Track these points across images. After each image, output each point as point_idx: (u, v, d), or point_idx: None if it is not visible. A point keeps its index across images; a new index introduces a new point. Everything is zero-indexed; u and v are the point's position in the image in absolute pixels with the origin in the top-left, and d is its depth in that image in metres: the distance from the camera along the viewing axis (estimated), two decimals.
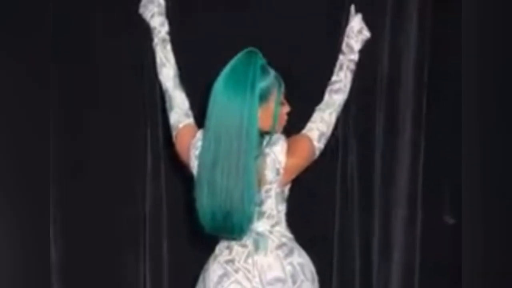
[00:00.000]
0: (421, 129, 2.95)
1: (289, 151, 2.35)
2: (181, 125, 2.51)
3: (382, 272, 3.04)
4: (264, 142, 2.34)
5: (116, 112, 2.99)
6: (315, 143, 2.42)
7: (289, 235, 2.43)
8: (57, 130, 2.95)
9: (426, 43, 2.89)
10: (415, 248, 3.02)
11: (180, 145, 2.49)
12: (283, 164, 2.34)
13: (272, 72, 2.35)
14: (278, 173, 2.34)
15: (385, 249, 3.02)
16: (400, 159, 2.98)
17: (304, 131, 2.45)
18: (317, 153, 2.44)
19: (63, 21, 2.94)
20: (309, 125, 2.46)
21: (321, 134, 2.44)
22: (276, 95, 2.35)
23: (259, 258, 2.34)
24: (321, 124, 2.45)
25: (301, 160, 2.39)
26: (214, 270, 2.38)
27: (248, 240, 2.37)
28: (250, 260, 2.35)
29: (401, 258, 3.04)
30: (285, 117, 2.43)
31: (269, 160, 2.33)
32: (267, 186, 2.35)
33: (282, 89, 2.38)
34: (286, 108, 2.42)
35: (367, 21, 2.74)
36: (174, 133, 2.53)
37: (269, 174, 2.33)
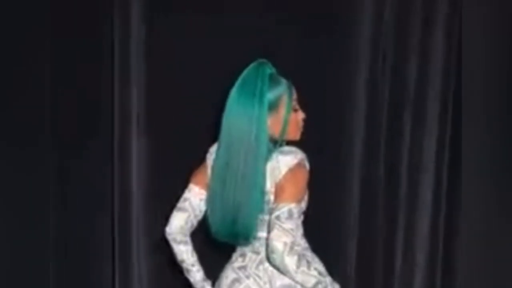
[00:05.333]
0: (446, 130, 2.97)
1: (293, 170, 2.32)
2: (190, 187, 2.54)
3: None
4: (274, 149, 2.35)
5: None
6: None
7: (304, 244, 2.45)
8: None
9: (453, 49, 2.90)
10: None
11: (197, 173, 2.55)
12: (281, 175, 2.31)
13: (282, 81, 2.39)
14: (274, 183, 2.33)
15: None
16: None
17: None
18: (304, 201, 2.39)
19: None
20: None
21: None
22: (286, 103, 2.37)
23: (270, 265, 2.37)
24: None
25: (297, 181, 2.31)
26: (227, 276, 2.47)
27: (261, 247, 2.41)
28: (261, 267, 2.41)
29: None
30: (301, 124, 2.44)
31: (269, 166, 2.33)
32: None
33: (293, 96, 2.40)
34: (300, 115, 2.43)
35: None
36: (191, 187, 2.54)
37: (268, 182, 2.34)
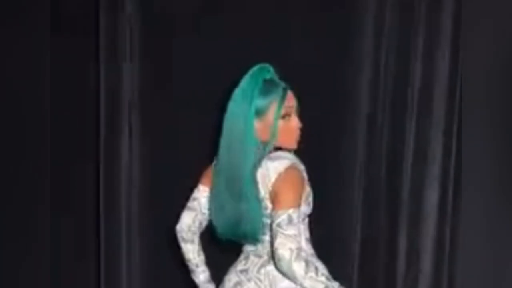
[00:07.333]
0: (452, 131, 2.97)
1: (283, 175, 2.29)
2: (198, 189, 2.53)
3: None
4: (264, 154, 2.34)
5: None
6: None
7: (309, 250, 2.44)
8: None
9: (460, 50, 2.91)
10: None
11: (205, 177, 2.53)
12: (271, 183, 2.31)
13: (277, 87, 2.34)
14: (267, 190, 2.32)
15: None
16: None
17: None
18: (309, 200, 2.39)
19: None
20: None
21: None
22: (276, 109, 2.32)
23: (272, 269, 2.38)
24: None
25: (289, 185, 2.27)
26: (229, 279, 2.47)
27: (263, 250, 2.41)
28: (262, 270, 2.40)
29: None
30: (296, 132, 2.39)
31: (260, 173, 2.32)
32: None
33: (286, 103, 2.34)
34: (293, 122, 2.37)
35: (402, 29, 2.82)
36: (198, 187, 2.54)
37: (261, 189, 2.33)
